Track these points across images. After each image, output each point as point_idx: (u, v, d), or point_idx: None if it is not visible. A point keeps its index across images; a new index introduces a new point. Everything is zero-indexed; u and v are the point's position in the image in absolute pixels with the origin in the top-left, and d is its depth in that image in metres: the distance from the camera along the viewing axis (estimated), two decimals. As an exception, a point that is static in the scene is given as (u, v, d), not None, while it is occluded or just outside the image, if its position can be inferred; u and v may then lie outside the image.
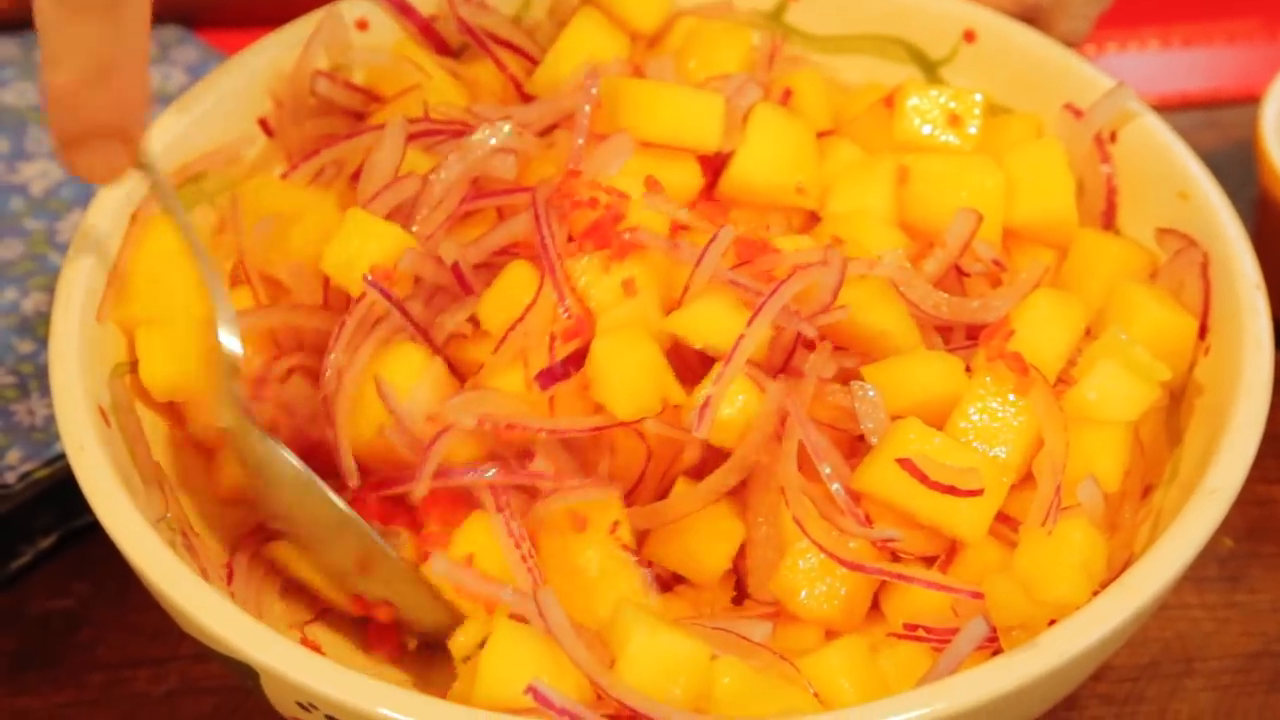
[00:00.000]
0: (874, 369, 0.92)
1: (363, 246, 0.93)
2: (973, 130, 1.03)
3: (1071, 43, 1.13)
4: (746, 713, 0.80)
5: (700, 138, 0.98)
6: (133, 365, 0.94)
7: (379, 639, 0.94)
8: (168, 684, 1.01)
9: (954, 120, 1.03)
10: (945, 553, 0.90)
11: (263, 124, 1.05)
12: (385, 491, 0.91)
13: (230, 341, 0.90)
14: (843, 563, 0.87)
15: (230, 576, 0.92)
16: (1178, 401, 0.96)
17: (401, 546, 0.91)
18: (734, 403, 0.88)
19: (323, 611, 0.95)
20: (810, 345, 0.90)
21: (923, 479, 0.85)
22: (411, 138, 0.98)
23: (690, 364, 0.92)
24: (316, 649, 0.90)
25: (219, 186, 1.03)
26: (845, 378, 0.91)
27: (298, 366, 0.96)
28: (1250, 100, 1.24)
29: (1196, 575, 1.08)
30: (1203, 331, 0.96)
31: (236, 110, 1.04)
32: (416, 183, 0.96)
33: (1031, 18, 1.12)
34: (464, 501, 0.91)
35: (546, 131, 1.02)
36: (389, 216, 0.95)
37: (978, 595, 0.86)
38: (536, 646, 0.82)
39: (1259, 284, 0.94)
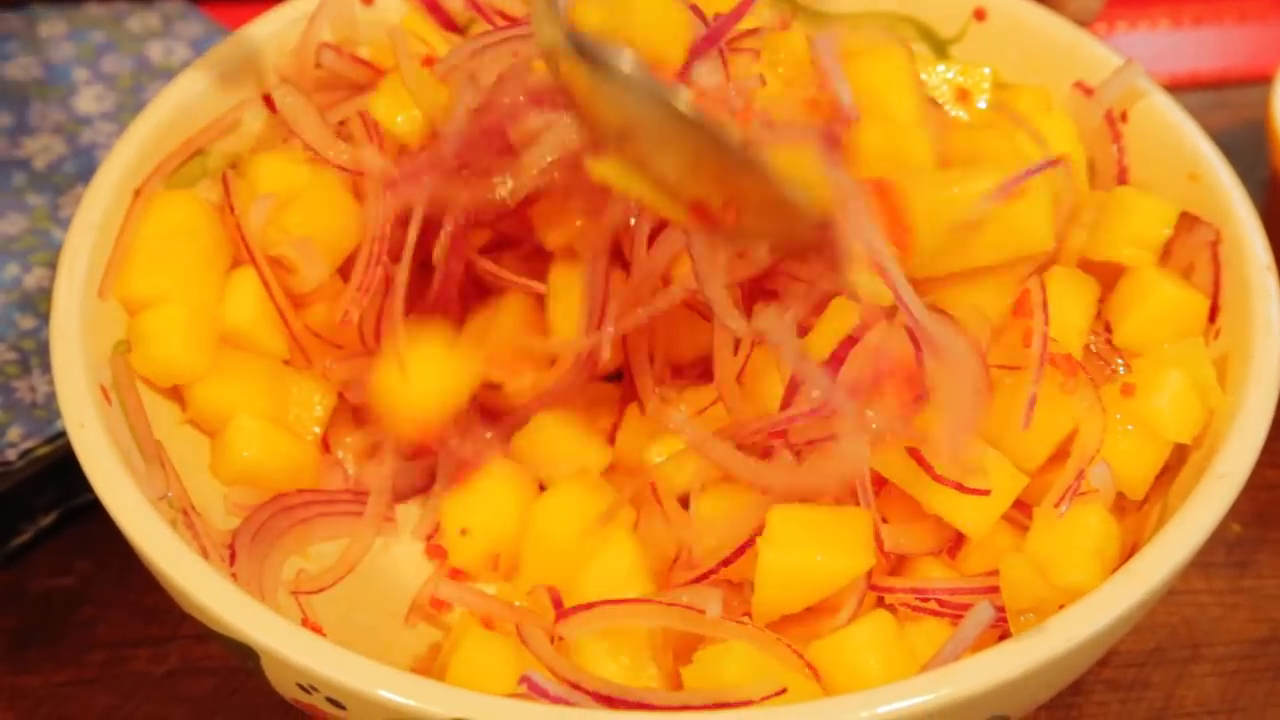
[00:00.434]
0: None
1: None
2: (981, 105, 1.02)
3: (1082, 21, 1.12)
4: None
5: None
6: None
7: None
8: (168, 663, 1.01)
9: (962, 95, 1.03)
10: (954, 538, 0.89)
11: (266, 100, 1.04)
12: None
13: None
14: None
15: (233, 557, 0.91)
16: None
17: None
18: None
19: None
20: None
21: (929, 470, 0.85)
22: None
23: None
24: (318, 630, 0.90)
25: (221, 163, 1.02)
26: None
27: None
28: (1262, 80, 1.24)
29: (1204, 560, 1.07)
30: (1213, 314, 0.95)
31: (240, 85, 1.03)
32: None
33: (1043, -3, 1.12)
34: None
35: None
36: None
37: (989, 590, 0.85)
38: (506, 653, 0.81)
39: (1270, 266, 0.93)
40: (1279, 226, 1.04)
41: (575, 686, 0.78)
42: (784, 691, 0.77)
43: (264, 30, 1.05)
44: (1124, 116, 1.03)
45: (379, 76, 1.05)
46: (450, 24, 1.09)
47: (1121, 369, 0.92)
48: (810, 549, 0.85)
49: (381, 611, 0.97)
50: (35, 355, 1.08)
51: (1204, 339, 0.94)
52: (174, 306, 0.94)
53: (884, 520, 0.88)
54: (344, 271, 0.98)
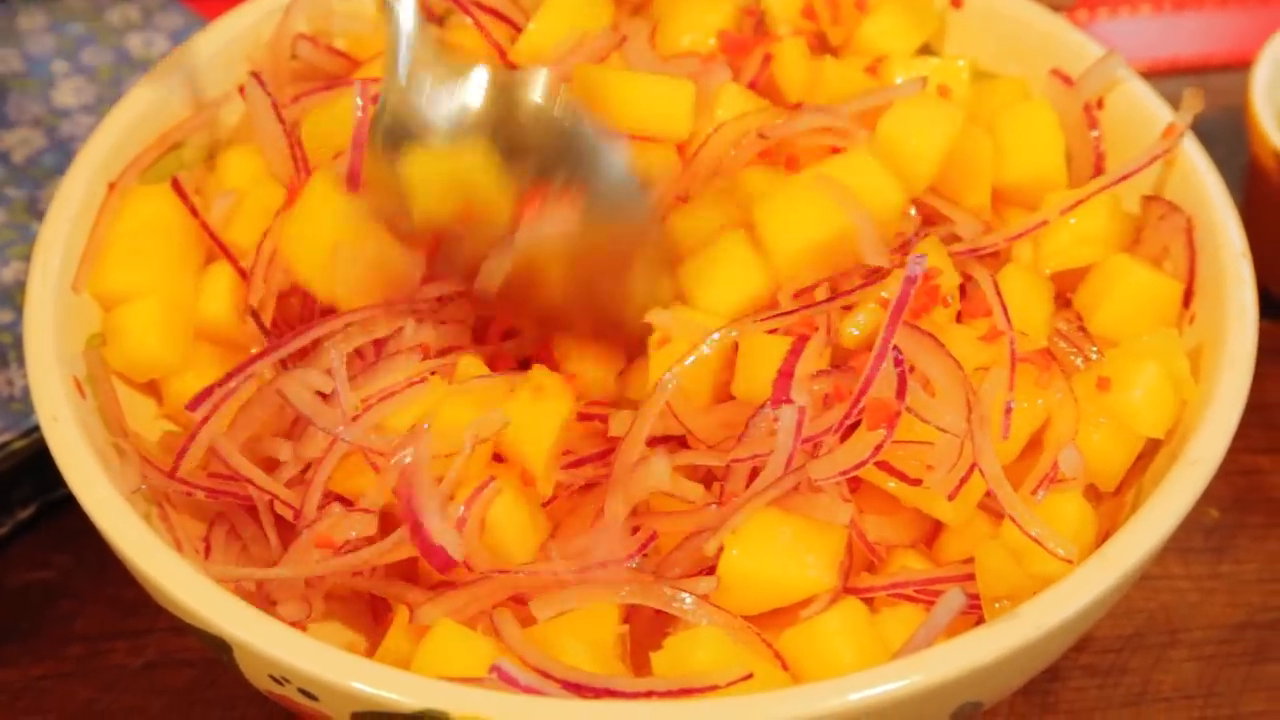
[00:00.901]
0: None
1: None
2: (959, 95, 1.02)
3: (1060, 8, 1.12)
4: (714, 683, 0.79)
5: (671, 127, 0.97)
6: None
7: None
8: (146, 656, 1.01)
9: (942, 92, 1.02)
10: (933, 528, 0.89)
11: (242, 91, 1.03)
12: None
13: None
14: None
15: (208, 550, 0.91)
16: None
17: None
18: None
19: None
20: None
21: (901, 476, 0.85)
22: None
23: None
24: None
25: (198, 156, 1.02)
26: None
27: None
28: (1242, 66, 1.23)
29: (1182, 546, 1.07)
30: (1187, 299, 0.95)
31: (216, 77, 1.03)
32: None
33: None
34: None
35: None
36: None
37: (965, 578, 0.85)
38: (475, 642, 0.82)
39: (1244, 252, 0.93)
40: (1258, 211, 1.04)
41: (545, 674, 0.78)
42: (750, 677, 0.76)
43: (242, 22, 1.05)
44: (1100, 103, 1.03)
45: (355, 67, 1.05)
46: (428, 14, 1.09)
47: (1094, 355, 0.92)
48: (775, 559, 0.84)
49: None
50: (12, 349, 1.07)
51: (1179, 324, 0.95)
52: (149, 301, 0.94)
53: (860, 511, 0.88)
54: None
